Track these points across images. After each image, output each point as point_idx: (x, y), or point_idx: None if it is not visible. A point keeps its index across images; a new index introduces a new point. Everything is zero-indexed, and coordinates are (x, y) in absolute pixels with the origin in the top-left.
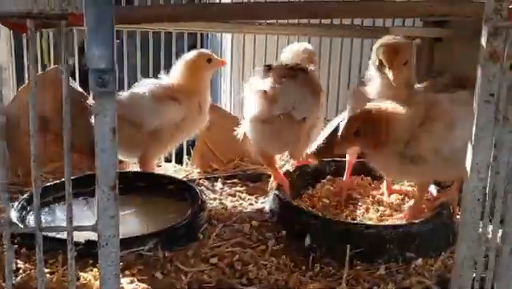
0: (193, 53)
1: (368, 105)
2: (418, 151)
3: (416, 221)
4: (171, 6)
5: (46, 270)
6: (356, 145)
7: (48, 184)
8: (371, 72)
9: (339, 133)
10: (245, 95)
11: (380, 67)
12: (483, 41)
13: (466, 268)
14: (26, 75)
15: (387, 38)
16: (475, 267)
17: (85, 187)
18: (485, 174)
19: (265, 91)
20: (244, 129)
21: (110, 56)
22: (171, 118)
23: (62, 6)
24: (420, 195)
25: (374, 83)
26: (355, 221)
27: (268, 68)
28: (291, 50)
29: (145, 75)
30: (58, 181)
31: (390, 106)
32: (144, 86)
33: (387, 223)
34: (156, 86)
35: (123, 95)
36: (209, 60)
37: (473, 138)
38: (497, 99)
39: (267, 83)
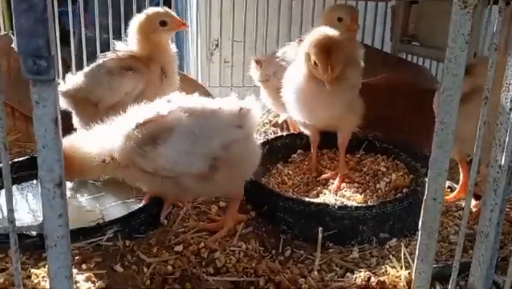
0: (142, 15)
1: None
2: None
3: (390, 200)
4: None
5: None
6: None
7: None
8: (298, 57)
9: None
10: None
11: (315, 65)
12: None
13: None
14: None
15: (319, 34)
16: None
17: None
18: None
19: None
20: None
21: (45, 39)
22: (129, 90)
23: None
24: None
25: (299, 70)
26: (327, 202)
27: None
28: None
29: (117, 35)
30: None
31: None
32: (99, 60)
33: (359, 204)
34: (109, 58)
35: (78, 75)
36: (163, 23)
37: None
38: None
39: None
